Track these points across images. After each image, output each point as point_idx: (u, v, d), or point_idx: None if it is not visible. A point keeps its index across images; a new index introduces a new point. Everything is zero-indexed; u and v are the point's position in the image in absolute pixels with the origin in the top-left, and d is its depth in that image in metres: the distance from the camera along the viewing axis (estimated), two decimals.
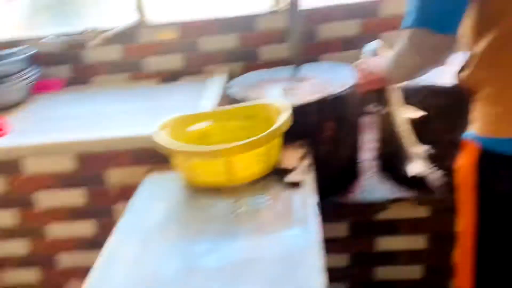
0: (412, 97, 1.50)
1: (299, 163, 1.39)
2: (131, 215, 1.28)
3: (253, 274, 0.98)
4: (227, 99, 1.66)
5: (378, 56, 1.35)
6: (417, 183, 1.63)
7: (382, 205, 1.62)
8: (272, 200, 1.26)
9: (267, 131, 1.28)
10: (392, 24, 2.03)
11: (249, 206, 1.24)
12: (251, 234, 1.13)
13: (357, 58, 2.06)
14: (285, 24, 1.96)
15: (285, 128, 1.33)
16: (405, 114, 1.32)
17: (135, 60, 2.16)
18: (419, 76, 1.14)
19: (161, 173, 1.49)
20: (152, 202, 1.33)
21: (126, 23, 2.05)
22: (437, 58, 1.01)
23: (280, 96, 1.57)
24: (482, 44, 0.98)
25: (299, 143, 1.48)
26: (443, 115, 1.49)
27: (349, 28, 2.07)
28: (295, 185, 1.31)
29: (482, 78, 1.00)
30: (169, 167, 1.44)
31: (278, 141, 1.37)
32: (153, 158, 1.53)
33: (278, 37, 2.09)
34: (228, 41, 2.11)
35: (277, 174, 1.36)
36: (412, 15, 0.97)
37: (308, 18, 2.01)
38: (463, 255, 1.12)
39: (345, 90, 1.52)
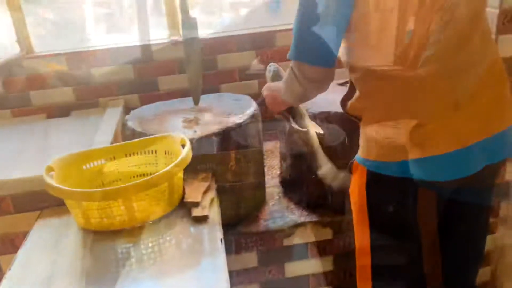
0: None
1: (204, 196, 1.35)
2: (17, 269, 1.14)
3: None
4: (126, 132, 1.58)
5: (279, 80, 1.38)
6: (319, 205, 1.69)
7: (288, 231, 1.64)
8: (177, 238, 1.21)
9: (167, 167, 1.22)
10: (283, 55, 2.11)
11: (152, 247, 1.17)
12: (155, 278, 1.06)
13: (254, 87, 2.14)
14: (183, 54, 1.94)
15: (186, 162, 1.28)
16: (313, 130, 1.37)
17: (18, 94, 1.97)
18: (308, 99, 1.22)
19: (53, 218, 1.36)
20: (42, 252, 1.20)
21: (6, 55, 1.87)
22: (315, 87, 1.09)
23: (181, 128, 1.53)
24: (359, 76, 1.04)
25: (203, 176, 1.45)
26: (336, 140, 1.56)
27: (245, 58, 2.11)
28: (201, 219, 1.27)
29: (363, 107, 1.07)
30: (62, 210, 1.32)
31: (180, 175, 1.32)
32: (43, 202, 1.39)
33: (177, 67, 2.06)
34: (123, 72, 2.03)
35: (182, 209, 1.31)
36: (292, 48, 1.04)
37: (206, 48, 2.02)
38: (362, 273, 1.16)
39: (246, 119, 1.53)
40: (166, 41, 2.05)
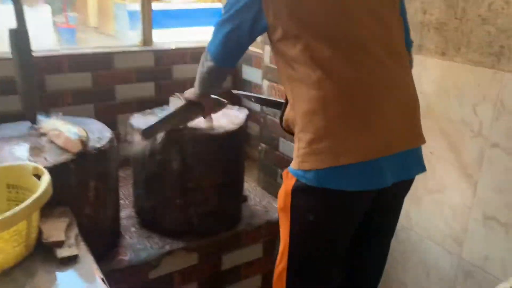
0: (171, 145, 1.50)
1: (68, 234, 1.15)
2: None
3: None
4: None
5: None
6: (182, 232, 1.63)
7: (154, 262, 1.52)
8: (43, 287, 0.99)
9: (26, 202, 1.00)
10: (121, 76, 2.01)
11: None
12: None
13: (89, 111, 1.95)
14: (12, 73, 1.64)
15: (48, 195, 1.08)
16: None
17: None
18: (217, 87, 1.39)
19: None
20: None
21: None
22: (219, 78, 1.31)
23: (27, 156, 1.28)
24: (288, 92, 1.10)
25: (60, 210, 1.23)
26: (202, 161, 1.54)
27: (80, 80, 1.92)
28: (70, 260, 1.07)
29: (291, 122, 1.12)
30: None
31: (37, 213, 1.10)
32: None
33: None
34: None
35: (41, 253, 1.08)
36: (210, 42, 1.17)
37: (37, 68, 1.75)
38: (279, 276, 1.17)
39: (105, 144, 1.38)
40: None
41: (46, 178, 1.10)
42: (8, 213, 0.96)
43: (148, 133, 1.46)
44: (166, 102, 2.11)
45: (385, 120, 1.04)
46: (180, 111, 1.49)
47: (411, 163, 1.12)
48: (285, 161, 1.86)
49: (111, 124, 1.98)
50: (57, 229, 1.16)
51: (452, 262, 1.40)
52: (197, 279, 1.66)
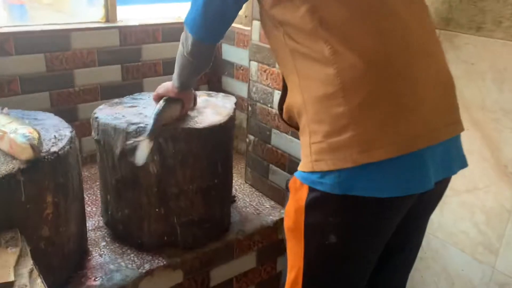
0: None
1: (18, 269, 0.88)
2: None
3: None
4: None
5: None
6: (163, 245, 1.37)
7: (131, 286, 1.26)
8: None
9: None
10: (81, 58, 1.70)
11: None
12: None
13: (44, 101, 1.64)
14: None
15: None
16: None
17: None
18: (200, 73, 1.15)
19: None
20: None
21: None
22: (203, 60, 1.06)
23: None
24: (291, 73, 0.87)
25: (8, 237, 0.95)
26: (185, 162, 1.28)
27: (30, 63, 1.59)
28: None
29: (296, 111, 0.88)
30: None
31: None
32: None
33: None
34: None
35: None
36: (188, 14, 0.96)
37: None
38: None
39: (65, 145, 1.09)
40: None
41: None
42: None
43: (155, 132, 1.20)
44: (135, 89, 1.84)
45: (424, 99, 0.81)
46: (165, 107, 1.23)
47: (453, 156, 0.88)
48: (279, 156, 1.61)
49: (70, 115, 1.69)
50: (4, 265, 0.88)
51: (484, 272, 1.21)
52: None
